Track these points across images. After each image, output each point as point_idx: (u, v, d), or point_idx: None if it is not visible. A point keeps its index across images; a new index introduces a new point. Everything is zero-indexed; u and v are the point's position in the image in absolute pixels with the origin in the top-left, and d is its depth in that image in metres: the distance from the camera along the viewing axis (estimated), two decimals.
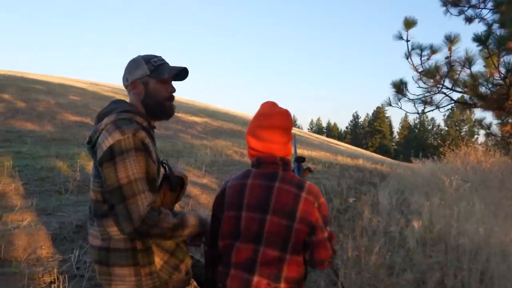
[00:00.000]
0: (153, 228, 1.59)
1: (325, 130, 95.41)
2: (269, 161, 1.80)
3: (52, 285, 2.38)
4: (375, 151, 57.77)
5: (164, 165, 1.88)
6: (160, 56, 1.86)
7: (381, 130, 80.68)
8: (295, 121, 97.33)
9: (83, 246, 2.94)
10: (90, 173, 4.90)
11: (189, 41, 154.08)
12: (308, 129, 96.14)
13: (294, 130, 35.85)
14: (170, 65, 1.87)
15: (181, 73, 1.89)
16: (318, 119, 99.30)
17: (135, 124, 1.72)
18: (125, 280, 1.69)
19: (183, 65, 1.87)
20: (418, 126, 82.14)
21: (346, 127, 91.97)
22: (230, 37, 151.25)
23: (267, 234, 1.69)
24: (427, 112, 9.69)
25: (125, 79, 1.83)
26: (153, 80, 1.80)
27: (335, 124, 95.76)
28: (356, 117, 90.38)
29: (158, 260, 1.75)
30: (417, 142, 69.50)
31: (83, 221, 3.25)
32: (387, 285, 2.55)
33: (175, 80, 1.88)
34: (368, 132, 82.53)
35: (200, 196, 4.73)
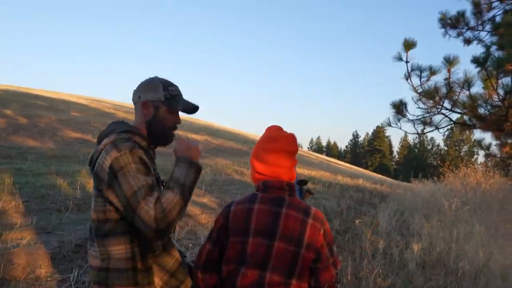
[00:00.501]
0: (167, 217, 1.60)
1: (325, 149, 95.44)
2: (276, 186, 1.82)
3: None
4: (374, 170, 57.64)
5: (164, 184, 1.90)
6: (177, 86, 1.91)
7: (381, 149, 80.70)
8: None
9: (82, 265, 2.94)
10: (90, 191, 4.93)
11: (191, 60, 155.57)
12: (308, 147, 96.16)
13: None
14: (184, 98, 1.92)
15: (191, 110, 1.93)
16: (318, 138, 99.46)
17: (132, 143, 1.75)
18: None
19: (195, 103, 1.92)
20: (417, 146, 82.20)
21: (346, 146, 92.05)
22: (231, 57, 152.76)
23: (274, 260, 1.70)
24: (427, 132, 9.77)
25: (138, 96, 1.86)
26: (165, 107, 1.84)
27: (335, 143, 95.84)
28: (356, 136, 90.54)
29: (157, 280, 1.75)
30: (417, 162, 69.49)
31: (83, 240, 3.25)
32: None
33: (182, 111, 1.91)
34: (367, 151, 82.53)
35: (199, 216, 4.72)
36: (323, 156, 45.33)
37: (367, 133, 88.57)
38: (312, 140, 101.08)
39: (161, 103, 1.84)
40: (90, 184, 5.20)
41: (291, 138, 1.89)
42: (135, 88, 1.90)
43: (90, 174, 1.80)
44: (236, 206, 1.86)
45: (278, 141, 1.85)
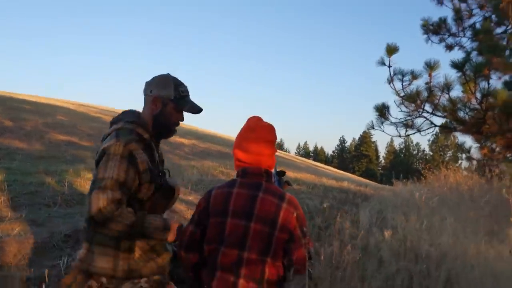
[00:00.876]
0: (109, 220, 1.78)
1: (312, 154, 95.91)
2: (255, 172, 2.00)
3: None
4: (361, 175, 58.02)
5: (160, 174, 2.09)
6: (187, 87, 2.10)
7: (367, 154, 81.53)
8: (282, 145, 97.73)
9: (71, 254, 3.07)
10: (78, 188, 5.04)
11: (178, 64, 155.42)
12: (296, 152, 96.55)
13: (282, 154, 35.79)
14: (191, 99, 2.11)
15: (195, 111, 2.12)
16: (305, 143, 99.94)
17: (133, 136, 1.94)
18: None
19: (201, 106, 2.11)
20: (403, 151, 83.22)
21: (333, 151, 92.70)
22: (218, 62, 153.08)
23: (250, 239, 1.88)
24: (409, 135, 10.04)
25: (149, 90, 2.06)
26: (173, 105, 2.05)
27: (322, 148, 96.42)
28: (342, 141, 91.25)
29: (137, 250, 1.94)
30: (403, 167, 70.20)
31: (72, 231, 3.40)
32: None
33: (188, 112, 2.11)
34: (354, 156, 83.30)
35: (185, 212, 4.88)
36: (310, 161, 45.57)
37: (354, 138, 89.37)
38: (299, 145, 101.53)
39: (170, 100, 2.04)
40: (77, 181, 5.33)
41: (270, 127, 2.07)
42: (147, 81, 2.08)
43: None
44: (217, 190, 2.05)
45: (258, 131, 2.03)
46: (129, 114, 2.08)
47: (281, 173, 2.84)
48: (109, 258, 1.89)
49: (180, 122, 2.13)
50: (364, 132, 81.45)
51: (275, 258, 1.89)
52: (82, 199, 4.56)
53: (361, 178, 34.52)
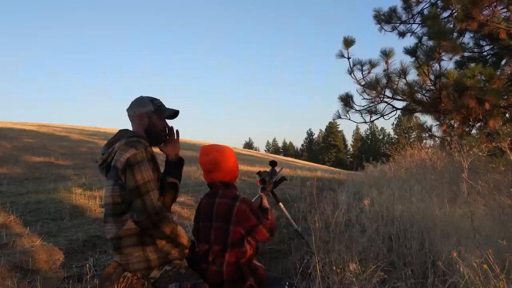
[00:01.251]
0: (162, 220, 2.23)
1: (281, 150, 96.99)
2: (213, 185, 2.54)
3: (80, 284, 2.90)
4: (332, 165, 59.43)
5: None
6: (159, 99, 2.59)
7: (336, 144, 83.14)
8: (251, 144, 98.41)
9: (93, 255, 3.47)
10: (74, 202, 5.37)
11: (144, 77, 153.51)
12: (265, 150, 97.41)
13: (252, 153, 36.02)
14: (166, 106, 2.57)
15: (174, 115, 2.58)
16: (274, 140, 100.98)
17: (145, 143, 2.38)
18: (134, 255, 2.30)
19: (175, 108, 2.58)
20: (370, 137, 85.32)
21: (302, 145, 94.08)
22: (181, 69, 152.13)
23: (213, 235, 2.40)
24: (374, 120, 10.68)
25: (133, 111, 2.53)
26: (155, 116, 2.53)
27: (290, 143, 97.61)
28: (310, 134, 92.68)
29: (159, 241, 2.36)
30: (370, 152, 72.41)
31: (88, 237, 3.78)
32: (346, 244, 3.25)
33: (167, 118, 2.59)
34: (323, 147, 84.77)
35: (182, 211, 5.32)
36: (281, 157, 46.36)
37: (321, 130, 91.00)
38: (268, 142, 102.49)
39: (152, 113, 2.50)
40: (72, 197, 5.65)
41: (209, 161, 2.56)
42: (128, 107, 2.54)
43: (101, 172, 2.41)
44: (201, 200, 2.60)
45: (201, 165, 2.59)
46: (127, 132, 2.53)
47: (273, 163, 3.33)
48: (140, 253, 2.31)
49: (166, 127, 2.60)
50: (330, 122, 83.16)
51: (234, 247, 2.44)
52: (83, 212, 4.90)
53: (332, 168, 35.56)
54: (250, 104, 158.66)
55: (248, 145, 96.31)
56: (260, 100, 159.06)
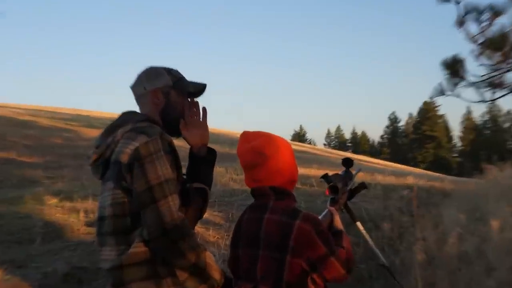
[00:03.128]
0: (184, 238, 2.19)
1: (350, 144, 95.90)
2: (260, 193, 2.47)
3: None
4: (428, 168, 58.30)
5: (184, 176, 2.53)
6: (177, 70, 2.58)
7: (434, 135, 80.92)
8: (303, 135, 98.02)
9: None
10: (47, 218, 5.50)
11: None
12: (325, 144, 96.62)
13: (304, 147, 36.00)
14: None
15: (201, 91, 2.59)
16: (338, 129, 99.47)
17: (159, 128, 2.37)
18: None
19: (202, 82, 2.57)
20: (489, 125, 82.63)
21: (381, 137, 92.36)
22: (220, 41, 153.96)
23: (259, 271, 2.35)
24: (497, 98, 10.29)
25: (142, 87, 2.51)
26: (175, 92, 2.49)
27: (364, 133, 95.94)
28: (394, 120, 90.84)
29: (180, 271, 2.34)
30: (492, 149, 70.29)
31: (70, 268, 3.87)
32: None
33: (191, 96, 2.57)
34: (414, 140, 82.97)
35: (205, 233, 5.36)
36: (349, 154, 46.06)
37: (411, 115, 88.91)
38: (329, 132, 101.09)
39: (170, 88, 2.49)
40: (44, 210, 5.81)
41: (250, 150, 2.51)
42: (134, 82, 2.53)
43: (95, 173, 2.39)
44: (241, 215, 2.57)
45: (240, 156, 2.52)
46: (133, 115, 2.51)
47: (349, 163, 3.23)
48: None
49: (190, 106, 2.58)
50: (426, 103, 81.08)
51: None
52: (60, 232, 5.02)
53: (429, 172, 34.85)
54: (300, 76, 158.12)
55: (299, 136, 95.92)
56: (313, 70, 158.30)
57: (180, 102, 2.52)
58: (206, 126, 2.58)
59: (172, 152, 2.33)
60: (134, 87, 2.52)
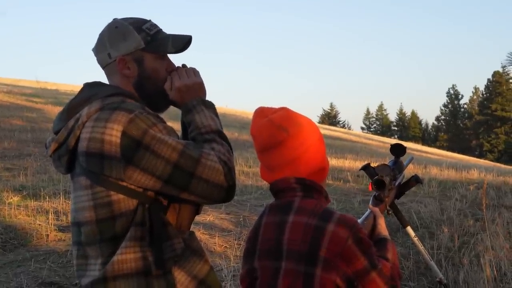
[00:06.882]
0: (232, 170, 2.29)
1: (395, 127, 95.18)
2: (283, 188, 2.46)
3: None
4: (498, 159, 57.99)
5: None
6: (151, 21, 2.51)
7: (507, 117, 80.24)
8: (335, 116, 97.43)
9: None
10: (8, 222, 5.59)
11: None
12: (363, 128, 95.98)
13: (336, 132, 36.07)
14: (166, 33, 2.54)
15: (184, 46, 2.54)
16: (380, 107, 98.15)
17: (138, 103, 2.38)
18: None
19: (185, 33, 2.55)
20: None
21: (437, 118, 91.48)
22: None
23: (283, 287, 2.38)
24: None
25: (107, 54, 2.44)
26: (150, 55, 2.45)
27: (414, 113, 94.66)
28: (453, 97, 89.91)
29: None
30: None
31: (38, 284, 3.93)
32: None
33: (172, 53, 2.52)
34: (480, 123, 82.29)
35: (209, 241, 5.40)
36: (395, 140, 45.87)
37: (477, 89, 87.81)
38: (368, 112, 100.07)
39: (142, 51, 2.45)
40: (3, 211, 5.88)
41: (266, 126, 2.50)
42: (95, 46, 2.51)
43: (57, 166, 2.38)
44: (258, 218, 2.58)
45: (255, 135, 2.50)
46: (100, 88, 2.45)
47: (400, 150, 3.21)
48: None
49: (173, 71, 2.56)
50: (497, 73, 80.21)
51: None
52: (25, 238, 5.10)
53: (500, 164, 34.57)
54: (329, 41, 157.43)
55: (329, 118, 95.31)
56: (345, 35, 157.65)
57: (159, 68, 2.47)
58: (201, 79, 2.54)
59: (163, 122, 2.32)
60: (97, 54, 2.48)
